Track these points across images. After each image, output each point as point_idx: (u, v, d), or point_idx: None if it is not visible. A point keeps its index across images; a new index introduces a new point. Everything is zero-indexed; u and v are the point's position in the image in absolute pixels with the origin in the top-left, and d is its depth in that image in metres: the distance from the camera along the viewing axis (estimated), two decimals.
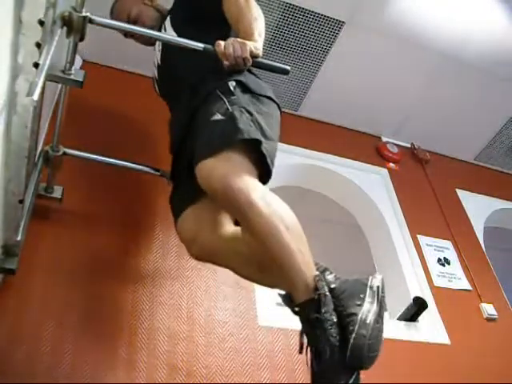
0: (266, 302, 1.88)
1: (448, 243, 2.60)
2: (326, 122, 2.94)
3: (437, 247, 2.55)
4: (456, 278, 2.44)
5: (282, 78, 2.63)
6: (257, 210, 1.10)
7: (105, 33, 1.41)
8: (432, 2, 2.47)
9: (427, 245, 2.52)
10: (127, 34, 1.76)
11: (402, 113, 2.98)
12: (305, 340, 1.10)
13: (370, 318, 1.05)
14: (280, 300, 1.17)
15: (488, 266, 2.62)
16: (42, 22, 1.02)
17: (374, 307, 1.09)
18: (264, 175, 1.26)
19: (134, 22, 1.72)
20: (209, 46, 1.29)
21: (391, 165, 2.91)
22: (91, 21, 1.20)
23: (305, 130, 2.78)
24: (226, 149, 1.18)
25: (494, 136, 3.16)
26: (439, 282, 2.36)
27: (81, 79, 1.29)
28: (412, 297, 2.15)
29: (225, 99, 1.30)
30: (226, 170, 1.14)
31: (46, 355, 1.45)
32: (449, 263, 2.50)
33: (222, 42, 1.26)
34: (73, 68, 1.29)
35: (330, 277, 1.15)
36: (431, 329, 2.12)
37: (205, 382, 1.59)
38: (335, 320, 1.05)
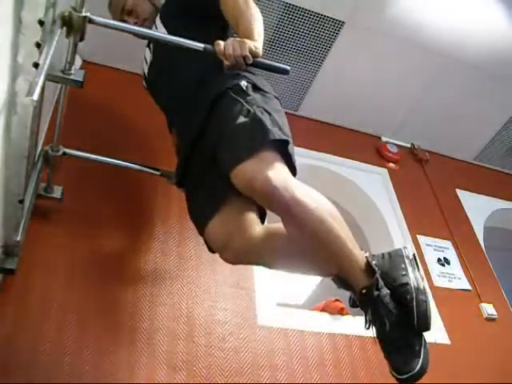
0: (266, 301, 1.87)
1: (448, 243, 2.61)
2: (326, 122, 2.94)
3: (437, 247, 2.55)
4: (456, 277, 2.45)
5: (281, 77, 2.63)
6: (304, 207, 1.15)
7: (105, 33, 1.41)
8: (432, 1, 2.47)
9: (427, 245, 2.53)
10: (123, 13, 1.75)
11: (402, 113, 2.98)
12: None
13: (421, 284, 1.18)
14: (336, 284, 1.28)
15: (488, 266, 2.63)
16: (41, 22, 1.03)
17: (417, 273, 1.22)
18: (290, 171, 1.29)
19: (129, 14, 1.72)
20: (209, 46, 1.29)
21: (391, 165, 2.91)
22: (91, 21, 1.20)
23: (305, 130, 2.78)
24: (260, 150, 1.19)
25: (493, 136, 3.16)
26: (439, 281, 2.36)
27: (81, 79, 1.29)
28: None
29: (242, 100, 1.31)
30: (265, 170, 1.15)
31: (46, 355, 1.45)
32: (449, 263, 2.50)
33: (221, 42, 1.26)
34: (73, 68, 1.29)
35: (368, 255, 1.24)
36: (431, 329, 2.12)
37: (205, 381, 1.59)
38: (389, 293, 1.17)
